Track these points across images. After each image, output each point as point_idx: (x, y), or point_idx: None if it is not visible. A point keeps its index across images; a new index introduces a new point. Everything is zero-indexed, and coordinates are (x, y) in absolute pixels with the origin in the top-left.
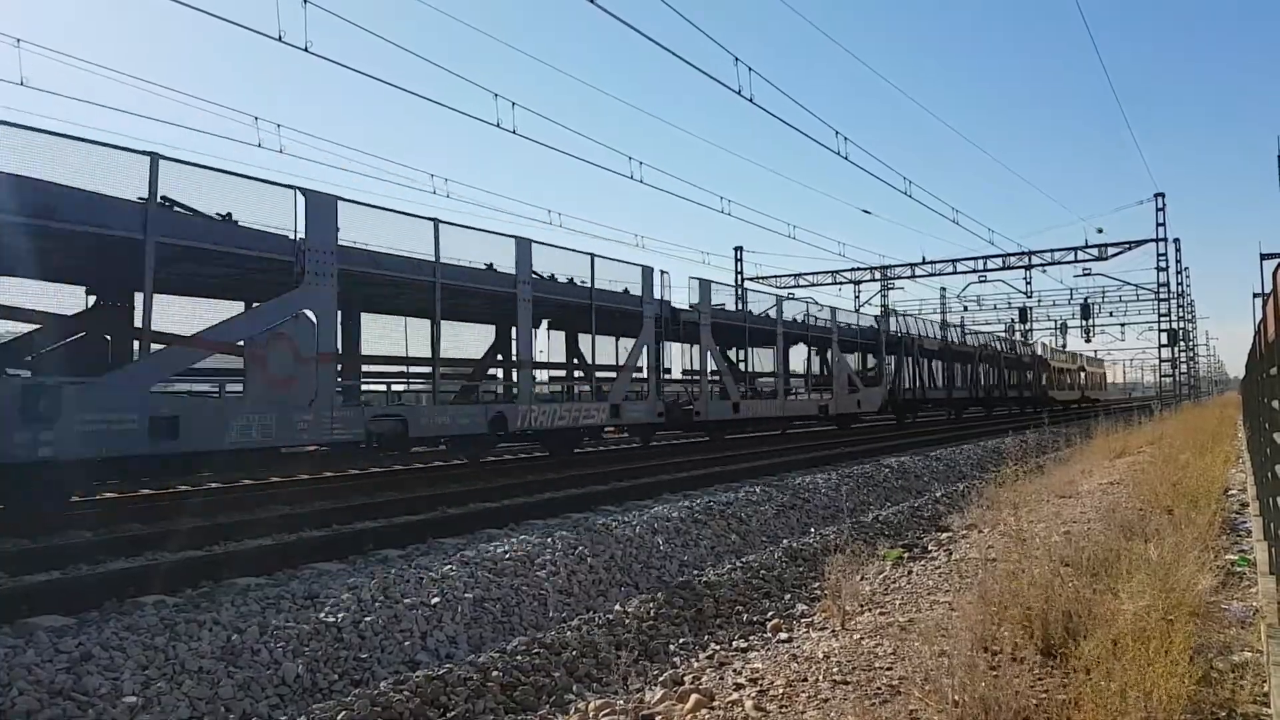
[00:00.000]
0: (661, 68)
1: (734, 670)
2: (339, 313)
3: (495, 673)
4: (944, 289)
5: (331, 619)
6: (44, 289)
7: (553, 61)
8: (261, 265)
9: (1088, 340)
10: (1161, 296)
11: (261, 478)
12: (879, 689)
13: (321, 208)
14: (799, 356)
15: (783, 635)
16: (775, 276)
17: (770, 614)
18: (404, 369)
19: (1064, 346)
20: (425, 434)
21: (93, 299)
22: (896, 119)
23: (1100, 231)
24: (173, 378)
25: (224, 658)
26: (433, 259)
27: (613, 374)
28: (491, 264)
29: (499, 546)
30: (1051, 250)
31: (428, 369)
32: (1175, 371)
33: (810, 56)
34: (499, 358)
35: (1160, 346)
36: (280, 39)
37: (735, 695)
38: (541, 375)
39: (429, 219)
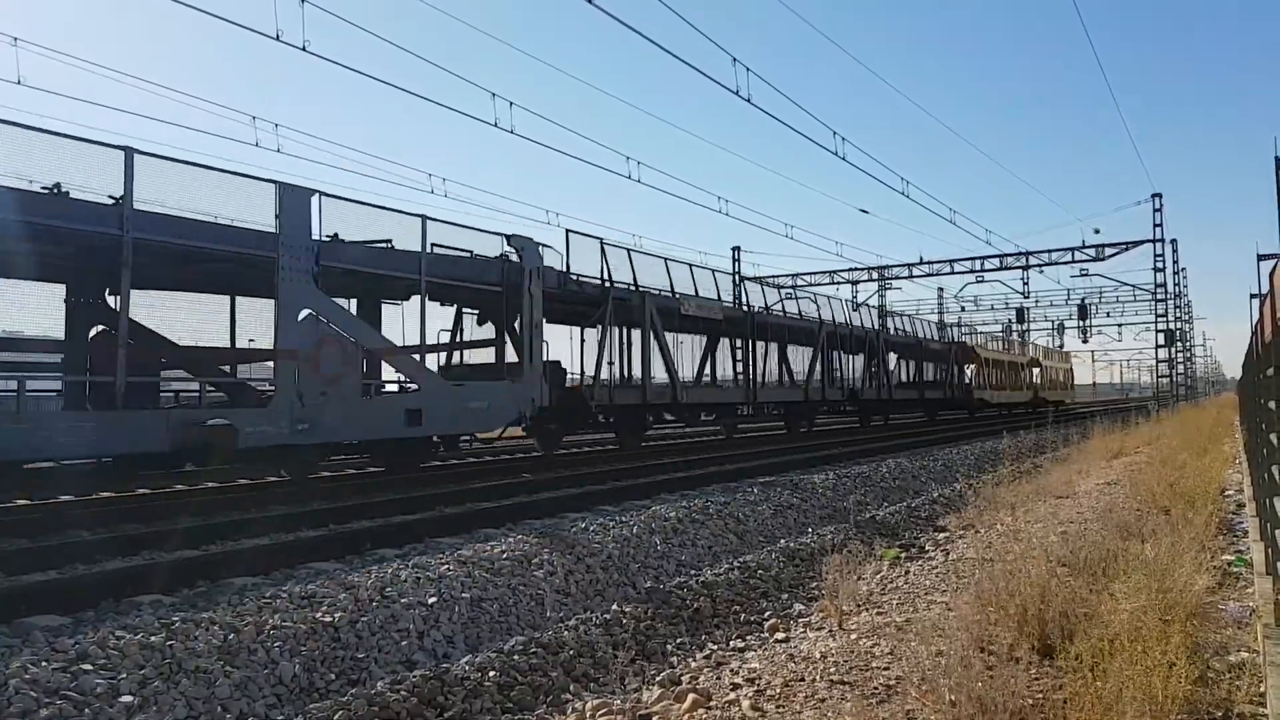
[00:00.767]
0: (660, 68)
1: (731, 670)
2: None
3: (492, 672)
4: (941, 289)
5: (328, 618)
6: None
7: (552, 61)
8: None
9: (1085, 340)
10: (1158, 297)
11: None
12: (876, 689)
13: None
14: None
15: (780, 635)
16: (773, 276)
17: (768, 614)
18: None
19: (1061, 346)
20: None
21: None
22: (894, 119)
23: (1097, 232)
24: None
25: (221, 657)
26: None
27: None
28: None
29: (496, 546)
30: (1049, 250)
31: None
32: (1172, 372)
33: (808, 57)
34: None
35: (1157, 347)
36: (278, 38)
37: (732, 695)
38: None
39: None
